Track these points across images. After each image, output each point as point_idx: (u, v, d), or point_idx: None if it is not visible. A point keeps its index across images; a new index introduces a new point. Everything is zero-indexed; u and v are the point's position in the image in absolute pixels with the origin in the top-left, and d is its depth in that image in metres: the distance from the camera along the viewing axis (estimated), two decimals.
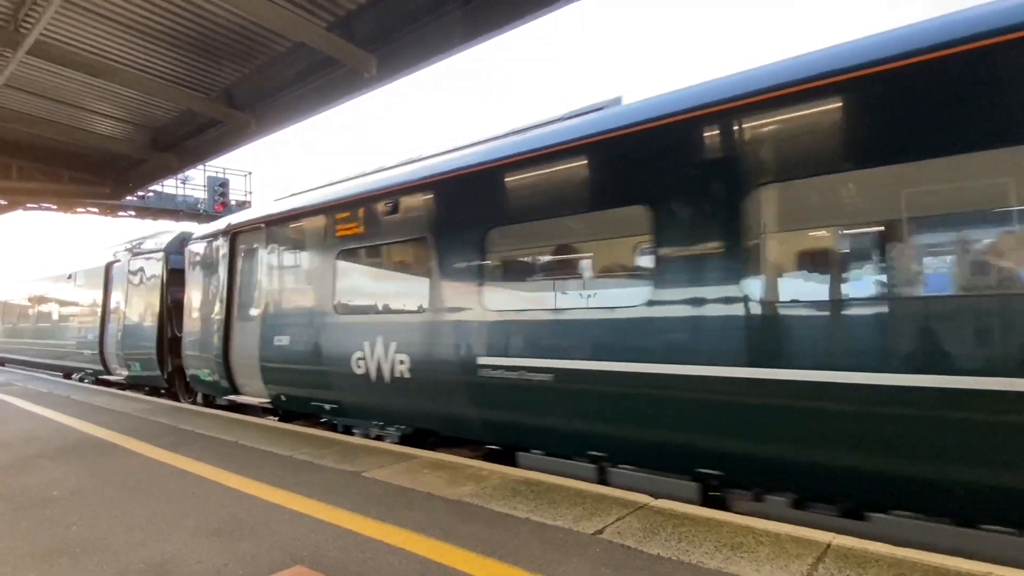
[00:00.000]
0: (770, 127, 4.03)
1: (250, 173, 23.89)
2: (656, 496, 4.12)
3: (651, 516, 3.69)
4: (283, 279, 7.93)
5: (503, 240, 5.61)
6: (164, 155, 12.60)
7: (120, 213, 21.18)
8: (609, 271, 5.83)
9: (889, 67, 3.62)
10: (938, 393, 3.28)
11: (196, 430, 7.03)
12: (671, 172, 4.47)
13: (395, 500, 4.19)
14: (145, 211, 21.63)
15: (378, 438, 6.54)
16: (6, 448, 6.24)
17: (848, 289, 4.15)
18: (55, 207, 18.33)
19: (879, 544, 3.16)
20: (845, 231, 4.35)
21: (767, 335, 3.92)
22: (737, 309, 4.02)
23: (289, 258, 7.89)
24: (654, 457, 4.51)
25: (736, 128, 4.16)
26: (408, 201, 6.28)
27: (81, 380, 14.19)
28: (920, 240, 3.85)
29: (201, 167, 20.81)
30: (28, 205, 17.44)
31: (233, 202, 22.23)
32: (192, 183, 22.33)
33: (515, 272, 5.92)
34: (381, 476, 4.81)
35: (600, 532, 3.47)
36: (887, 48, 3.68)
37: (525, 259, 5.95)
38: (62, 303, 15.50)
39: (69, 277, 15.11)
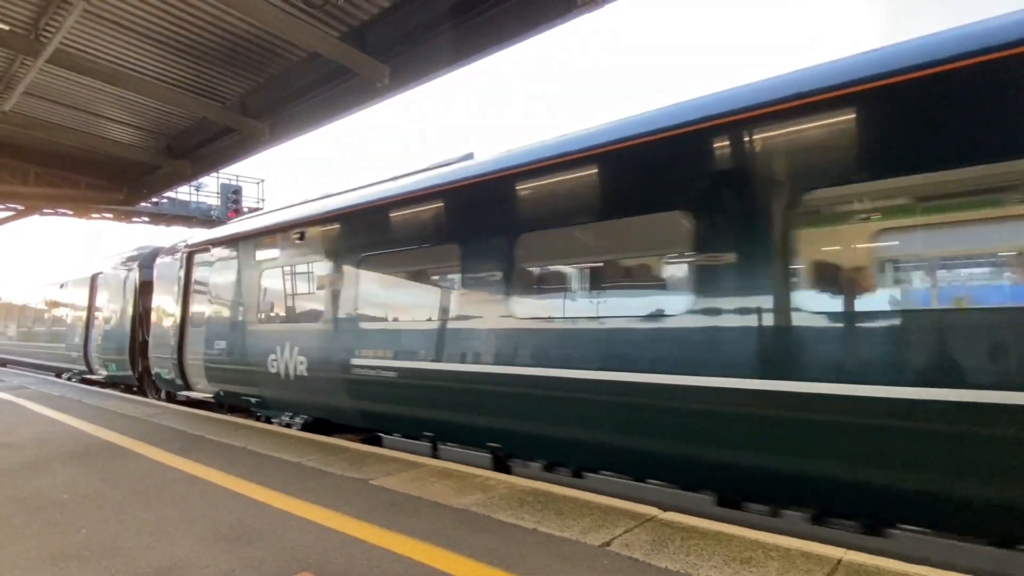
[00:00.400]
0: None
1: (263, 180, 24.12)
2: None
3: (659, 528, 3.66)
4: (222, 293, 9.57)
5: (360, 271, 7.23)
6: (178, 162, 12.75)
7: (134, 219, 21.41)
8: (418, 299, 7.16)
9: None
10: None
11: (206, 435, 7.07)
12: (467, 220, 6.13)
13: (402, 508, 4.19)
14: (159, 217, 21.86)
15: (287, 425, 8.04)
16: (19, 451, 6.30)
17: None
18: (71, 212, 18.56)
19: (891, 560, 3.12)
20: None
21: (493, 343, 5.62)
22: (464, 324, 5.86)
23: (226, 275, 9.50)
24: (463, 435, 5.98)
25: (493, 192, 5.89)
26: (306, 233, 8.06)
27: (69, 379, 15.40)
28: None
29: (214, 174, 21.02)
30: (45, 210, 17.68)
31: (246, 209, 22.43)
32: (205, 190, 22.57)
33: (371, 294, 7.30)
34: (388, 484, 4.80)
35: (608, 544, 3.44)
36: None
37: (377, 285, 7.32)
38: (54, 309, 17.26)
39: (61, 286, 16.77)
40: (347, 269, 7.31)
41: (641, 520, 3.82)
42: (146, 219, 21.71)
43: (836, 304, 3.81)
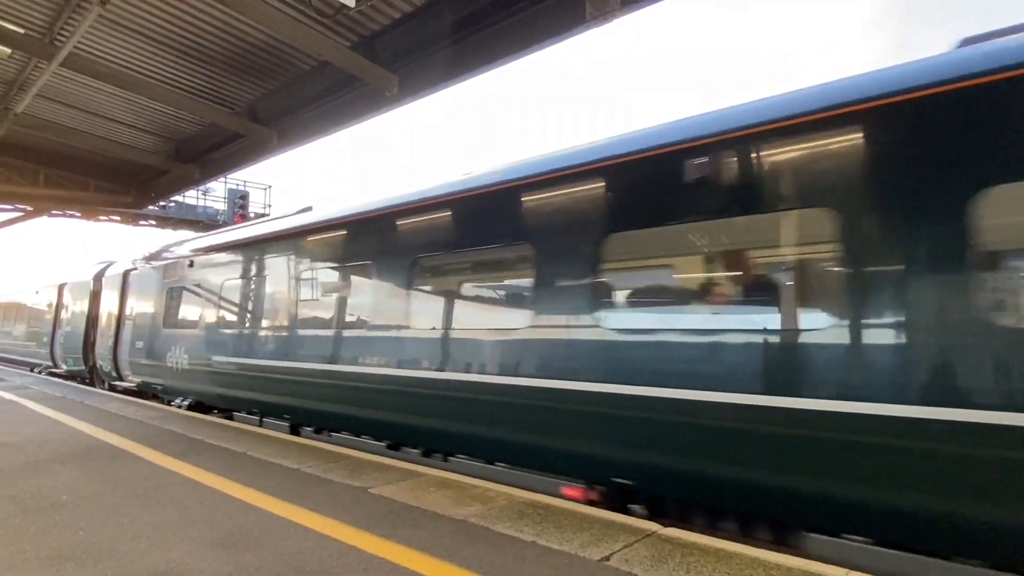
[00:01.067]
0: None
1: (270, 186, 24.28)
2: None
3: (659, 544, 3.63)
4: (142, 304, 12.35)
5: (217, 294, 9.80)
6: (187, 167, 12.85)
7: (141, 222, 21.52)
8: (238, 314, 9.46)
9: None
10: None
11: (206, 440, 7.06)
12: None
13: (400, 518, 4.17)
14: (165, 221, 21.98)
15: (178, 405, 10.62)
16: (19, 451, 6.30)
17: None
18: (79, 214, 18.68)
19: None
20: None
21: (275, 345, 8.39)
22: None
23: (146, 290, 12.33)
24: (271, 411, 8.45)
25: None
26: (193, 262, 10.74)
27: (39, 372, 17.92)
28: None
29: (222, 179, 21.17)
30: (53, 212, 17.80)
31: (252, 214, 22.54)
32: (213, 195, 22.70)
33: (220, 310, 9.77)
34: (387, 493, 4.78)
35: (607, 559, 3.41)
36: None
37: (221, 304, 9.74)
38: (30, 312, 20.27)
39: (36, 292, 19.63)
40: (210, 290, 10.10)
41: (641, 535, 3.79)
42: (153, 222, 21.83)
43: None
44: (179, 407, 10.44)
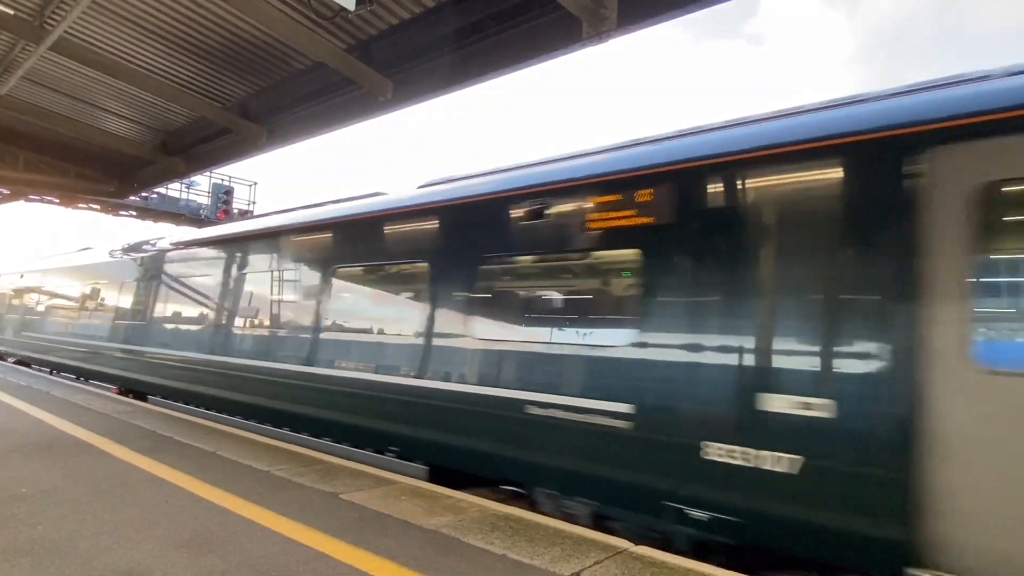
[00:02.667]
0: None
1: (255, 183, 24.01)
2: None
3: (629, 562, 3.63)
4: (38, 302, 16.55)
5: (103, 299, 12.98)
6: (172, 159, 12.67)
7: (122, 212, 21.14)
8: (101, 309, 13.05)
9: None
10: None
11: (175, 437, 6.92)
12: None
13: (371, 525, 4.12)
14: (147, 212, 21.62)
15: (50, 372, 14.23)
16: None
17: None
18: (57, 201, 18.30)
19: None
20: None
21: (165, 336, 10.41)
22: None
23: (30, 290, 16.79)
24: (164, 393, 10.05)
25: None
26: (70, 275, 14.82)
27: None
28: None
29: (207, 174, 20.90)
30: (31, 197, 17.42)
31: (236, 211, 22.26)
32: (197, 188, 22.35)
33: (110, 307, 12.57)
34: (359, 499, 4.72)
35: (578, 575, 3.41)
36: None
37: (119, 303, 12.27)
38: None
39: None
40: (100, 301, 13.15)
41: (612, 552, 3.78)
42: (134, 213, 21.47)
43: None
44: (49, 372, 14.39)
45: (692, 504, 3.97)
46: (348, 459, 6.28)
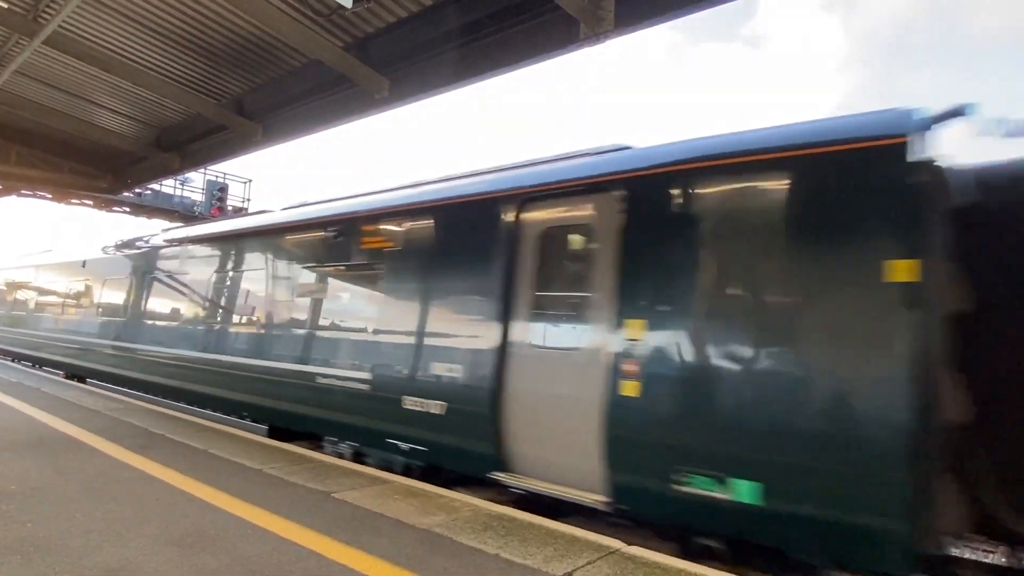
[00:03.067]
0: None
1: (250, 180, 23.88)
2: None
3: (622, 562, 3.64)
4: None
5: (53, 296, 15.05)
6: (167, 155, 12.62)
7: (115, 208, 20.99)
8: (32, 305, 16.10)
9: None
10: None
11: (167, 434, 6.88)
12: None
13: (363, 524, 4.11)
14: (140, 208, 21.48)
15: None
16: None
17: None
18: (50, 196, 18.16)
19: None
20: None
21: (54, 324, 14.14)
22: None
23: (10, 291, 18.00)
24: (58, 366, 13.48)
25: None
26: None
27: None
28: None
29: (202, 170, 20.78)
30: (23, 191, 17.30)
31: (230, 208, 22.16)
32: (191, 185, 22.23)
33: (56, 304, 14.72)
34: (351, 498, 4.71)
35: (570, 575, 3.41)
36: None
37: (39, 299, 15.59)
38: None
39: None
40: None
41: (604, 552, 3.79)
42: (127, 209, 21.31)
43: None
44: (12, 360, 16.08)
45: (402, 439, 5.87)
46: (340, 457, 6.27)
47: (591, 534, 4.19)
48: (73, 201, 19.35)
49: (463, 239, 5.92)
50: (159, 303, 10.67)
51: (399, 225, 6.51)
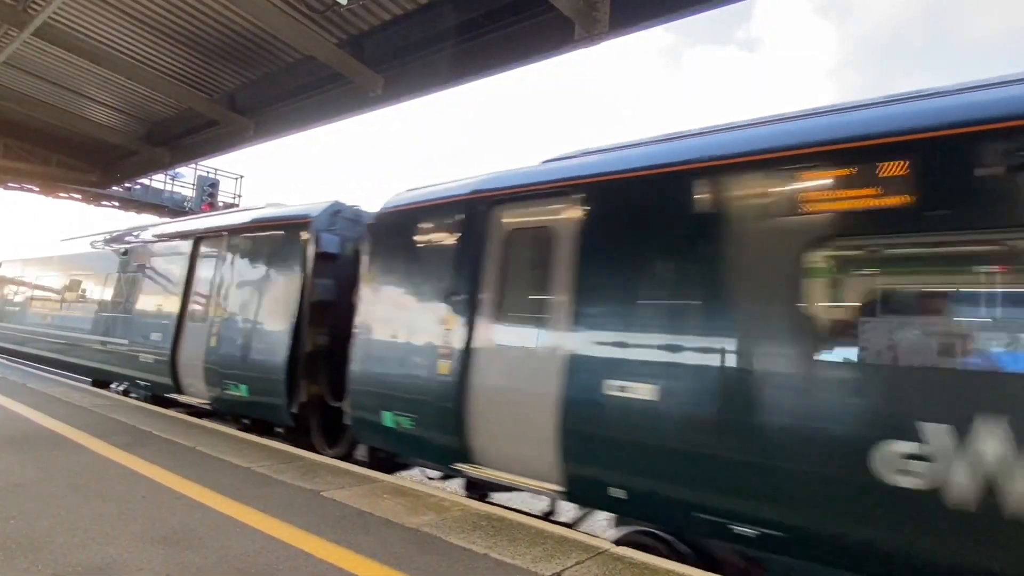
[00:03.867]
0: None
1: (242, 176, 23.74)
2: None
3: (611, 563, 3.64)
4: None
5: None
6: (157, 149, 12.52)
7: (104, 202, 20.79)
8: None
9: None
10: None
11: (154, 431, 6.82)
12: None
13: (352, 523, 4.09)
14: (130, 203, 21.27)
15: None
16: None
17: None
18: (37, 189, 17.97)
19: None
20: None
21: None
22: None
23: None
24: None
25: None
26: None
27: None
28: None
29: (193, 165, 20.62)
30: (10, 185, 17.10)
31: (221, 204, 21.99)
32: (182, 180, 22.04)
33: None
34: (340, 497, 4.69)
35: (559, 575, 3.41)
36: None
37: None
38: None
39: None
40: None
41: (593, 553, 3.79)
42: (116, 204, 21.11)
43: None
44: None
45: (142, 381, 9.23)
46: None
47: (580, 534, 4.19)
48: (62, 195, 19.16)
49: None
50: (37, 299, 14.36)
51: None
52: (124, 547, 3.41)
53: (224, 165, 23.31)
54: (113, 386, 10.42)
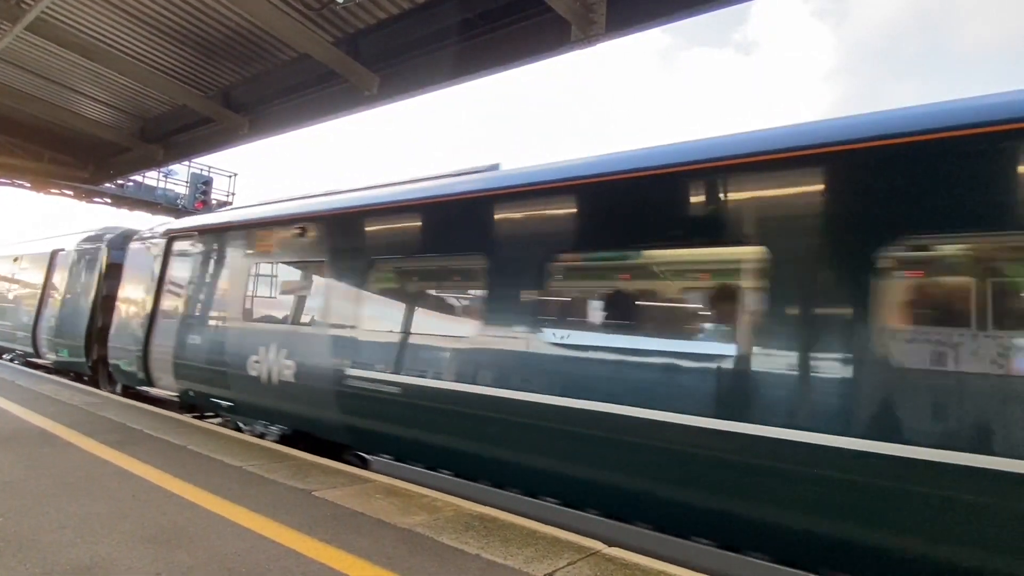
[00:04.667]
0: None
1: (235, 174, 23.61)
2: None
3: (603, 563, 3.65)
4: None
5: None
6: (150, 146, 12.44)
7: (96, 199, 20.64)
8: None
9: None
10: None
11: (145, 430, 6.78)
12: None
13: (344, 523, 4.08)
14: (122, 200, 21.13)
15: None
16: None
17: None
18: (28, 185, 17.82)
19: None
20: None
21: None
22: None
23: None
24: None
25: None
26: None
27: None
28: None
29: (186, 163, 20.50)
30: (0, 180, 16.96)
31: (214, 201, 21.87)
32: (175, 177, 21.89)
33: None
34: (332, 497, 4.67)
35: (550, 575, 3.41)
36: None
37: None
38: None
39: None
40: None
41: (585, 553, 3.79)
42: (108, 201, 20.98)
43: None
44: None
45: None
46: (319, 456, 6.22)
47: (572, 535, 4.19)
48: (53, 191, 19.01)
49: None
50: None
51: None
52: (114, 546, 3.39)
53: (218, 162, 23.21)
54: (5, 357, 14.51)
